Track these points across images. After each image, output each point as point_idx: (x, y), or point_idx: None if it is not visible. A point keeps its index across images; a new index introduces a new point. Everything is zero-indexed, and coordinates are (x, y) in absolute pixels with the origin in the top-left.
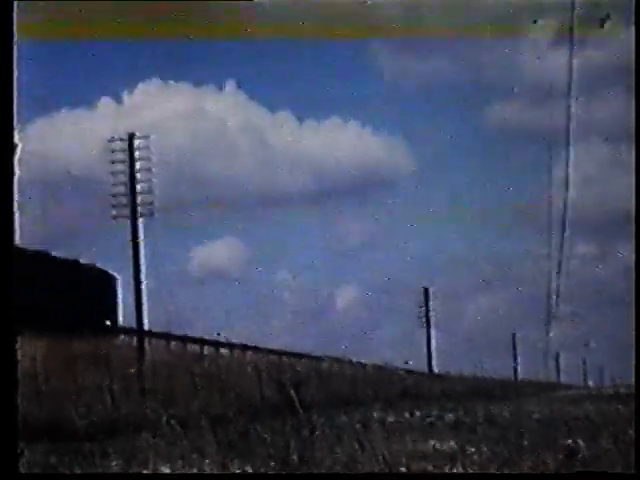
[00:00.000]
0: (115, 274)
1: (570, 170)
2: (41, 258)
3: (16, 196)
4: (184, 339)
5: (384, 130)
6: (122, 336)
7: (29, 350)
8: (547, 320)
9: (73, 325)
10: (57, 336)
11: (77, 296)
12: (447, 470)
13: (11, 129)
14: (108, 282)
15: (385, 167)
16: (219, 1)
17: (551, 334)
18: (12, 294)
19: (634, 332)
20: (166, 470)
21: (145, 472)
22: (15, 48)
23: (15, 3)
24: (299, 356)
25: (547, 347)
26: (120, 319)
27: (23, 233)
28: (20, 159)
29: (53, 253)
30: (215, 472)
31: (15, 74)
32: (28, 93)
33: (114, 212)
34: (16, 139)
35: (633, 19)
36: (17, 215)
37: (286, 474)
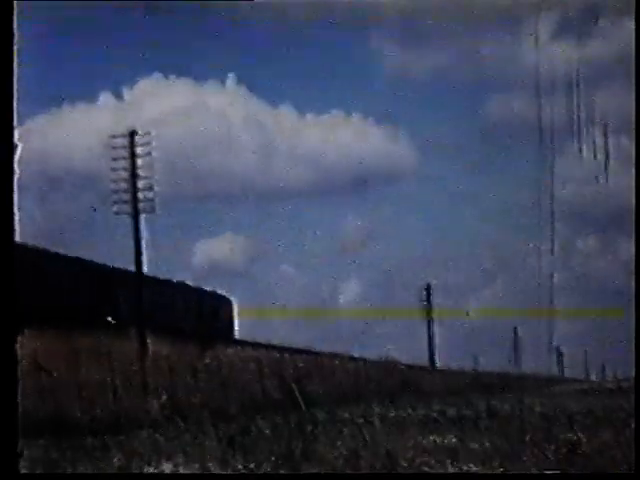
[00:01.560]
0: (231, 298)
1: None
2: (182, 286)
3: (16, 196)
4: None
5: (386, 124)
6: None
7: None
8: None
9: (203, 341)
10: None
11: (208, 318)
12: (449, 464)
13: (11, 129)
14: (225, 305)
15: (387, 161)
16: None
17: (552, 328)
18: (13, 293)
19: (634, 330)
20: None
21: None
22: (15, 47)
23: (15, 3)
24: (301, 351)
25: (549, 341)
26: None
27: (23, 230)
28: (21, 156)
29: (188, 282)
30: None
31: (15, 72)
32: (29, 89)
33: (115, 208)
34: (16, 139)
35: (633, 18)
36: (17, 215)
37: (286, 474)
